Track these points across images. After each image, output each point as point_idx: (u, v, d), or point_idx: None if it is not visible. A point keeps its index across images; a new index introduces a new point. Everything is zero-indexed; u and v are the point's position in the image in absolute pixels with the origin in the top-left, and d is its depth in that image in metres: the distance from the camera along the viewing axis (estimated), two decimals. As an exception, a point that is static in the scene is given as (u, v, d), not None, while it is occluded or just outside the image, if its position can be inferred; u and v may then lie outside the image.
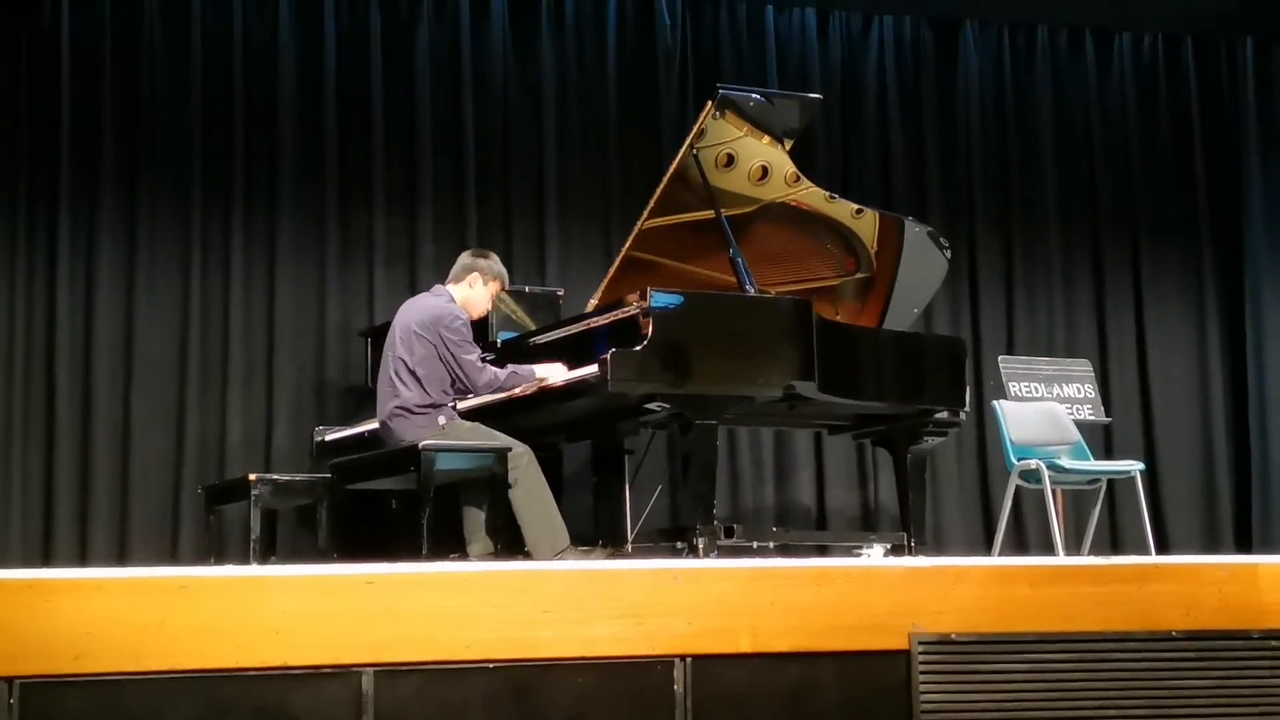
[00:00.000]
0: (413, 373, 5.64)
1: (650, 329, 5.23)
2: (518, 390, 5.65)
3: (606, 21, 7.99)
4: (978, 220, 8.45)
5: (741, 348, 5.40)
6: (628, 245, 6.00)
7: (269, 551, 6.26)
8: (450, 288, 5.89)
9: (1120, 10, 8.63)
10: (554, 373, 5.61)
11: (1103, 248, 8.61)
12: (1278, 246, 8.67)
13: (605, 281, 6.09)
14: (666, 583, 3.69)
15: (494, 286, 5.93)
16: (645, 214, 5.90)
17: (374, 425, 5.93)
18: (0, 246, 7.01)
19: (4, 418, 6.88)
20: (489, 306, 6.00)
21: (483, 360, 5.71)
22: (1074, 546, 7.09)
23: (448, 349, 5.63)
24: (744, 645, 3.68)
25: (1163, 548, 7.92)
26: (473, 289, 5.87)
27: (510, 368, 5.70)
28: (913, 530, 6.03)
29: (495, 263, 5.96)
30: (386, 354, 5.82)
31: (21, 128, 7.13)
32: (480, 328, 6.25)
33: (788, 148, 5.93)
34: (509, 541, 5.45)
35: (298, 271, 7.36)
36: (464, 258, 5.98)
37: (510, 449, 5.46)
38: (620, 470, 6.29)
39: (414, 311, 5.80)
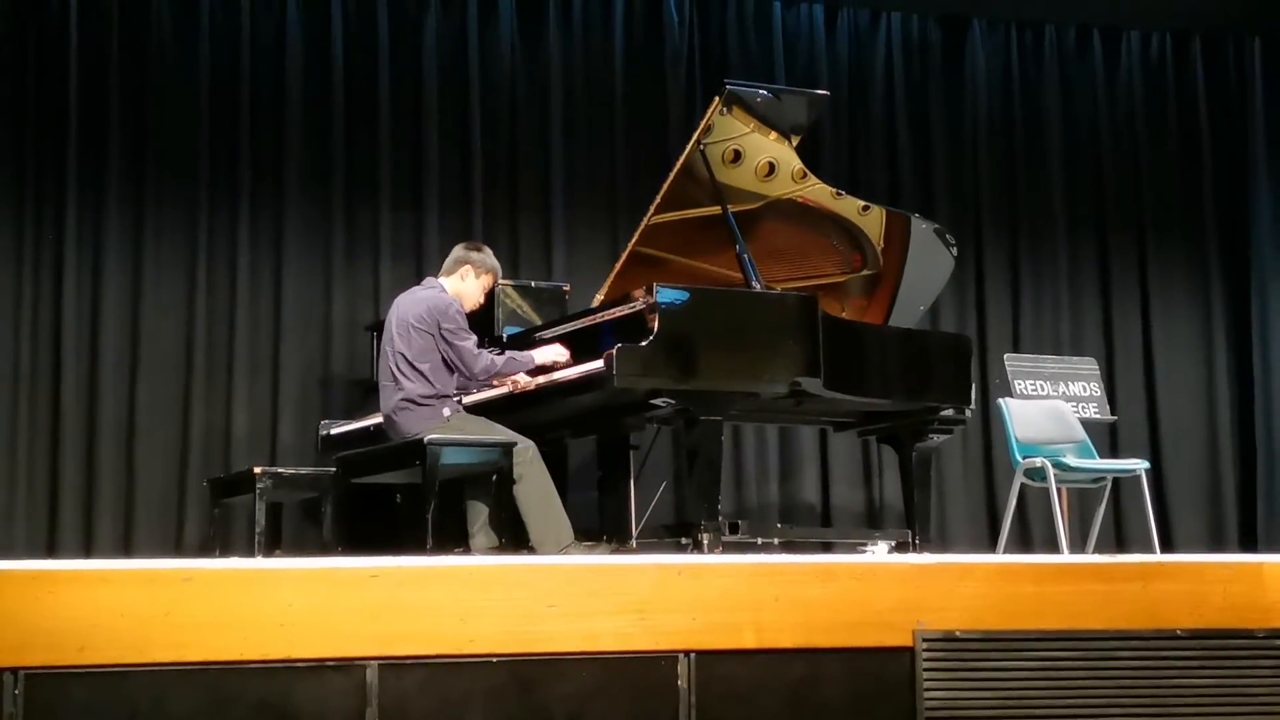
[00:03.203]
0: (414, 365, 5.62)
1: (656, 324, 5.22)
2: (522, 384, 5.65)
3: (614, 17, 7.98)
4: (984, 218, 8.44)
5: (747, 344, 5.39)
6: (634, 241, 5.99)
7: (274, 544, 6.27)
8: (443, 280, 5.84)
9: (1128, 9, 8.61)
10: (555, 355, 5.60)
11: (1109, 246, 8.60)
12: (1284, 246, 8.68)
13: (611, 277, 6.10)
14: (671, 578, 3.68)
15: (486, 280, 5.86)
16: (652, 210, 5.89)
17: (379, 419, 5.93)
18: (7, 240, 7.02)
19: (10, 410, 6.89)
20: (481, 300, 5.91)
21: (479, 348, 5.71)
22: (1079, 545, 7.07)
23: (444, 339, 5.61)
24: (748, 641, 3.68)
25: (1168, 546, 7.92)
26: (464, 282, 5.81)
27: (508, 354, 5.68)
28: (918, 527, 6.03)
29: (489, 256, 5.88)
30: (385, 349, 5.80)
31: (29, 120, 7.13)
32: (486, 322, 6.24)
33: (795, 144, 5.93)
34: (513, 536, 5.45)
35: (304, 265, 7.37)
36: (457, 250, 5.91)
37: (515, 444, 5.46)
38: (625, 466, 6.28)
39: (409, 304, 5.77)
